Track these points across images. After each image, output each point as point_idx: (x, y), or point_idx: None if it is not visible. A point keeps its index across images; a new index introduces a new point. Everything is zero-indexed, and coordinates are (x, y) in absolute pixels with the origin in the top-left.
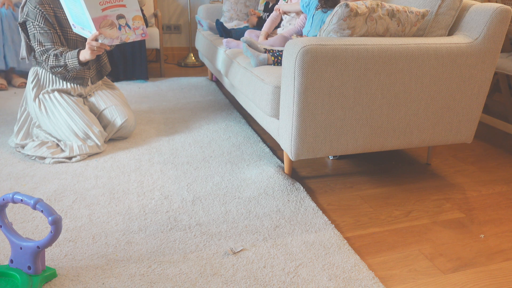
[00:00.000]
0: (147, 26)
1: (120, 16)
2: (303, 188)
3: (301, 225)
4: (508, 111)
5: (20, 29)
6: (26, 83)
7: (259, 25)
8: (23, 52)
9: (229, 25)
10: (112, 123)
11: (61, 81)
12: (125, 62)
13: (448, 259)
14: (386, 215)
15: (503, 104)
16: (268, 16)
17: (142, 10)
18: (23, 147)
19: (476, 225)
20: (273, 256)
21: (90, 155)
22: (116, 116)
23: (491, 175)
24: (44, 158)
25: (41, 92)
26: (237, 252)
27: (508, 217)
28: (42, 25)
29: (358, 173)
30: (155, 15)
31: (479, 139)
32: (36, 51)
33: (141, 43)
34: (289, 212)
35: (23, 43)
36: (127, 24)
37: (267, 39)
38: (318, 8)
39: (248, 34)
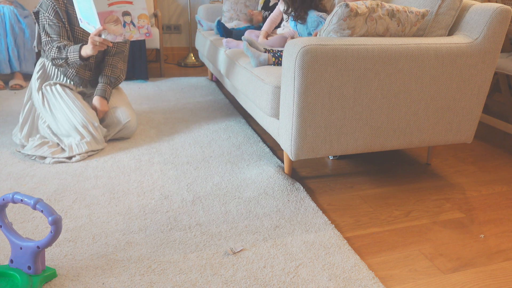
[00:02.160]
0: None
1: (126, 13)
2: (303, 188)
3: (301, 225)
4: (508, 111)
5: (34, 18)
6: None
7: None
8: (35, 41)
9: (229, 25)
10: (115, 123)
11: (63, 77)
12: None
13: (448, 259)
14: (386, 215)
15: (503, 104)
16: (268, 14)
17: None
18: (23, 147)
19: (476, 225)
20: (273, 256)
21: (90, 155)
22: (119, 116)
23: (491, 175)
24: (45, 158)
25: (44, 85)
26: (237, 252)
27: (508, 217)
28: (51, 17)
29: (358, 173)
30: (155, 15)
31: (479, 139)
32: (42, 41)
33: (141, 43)
34: (289, 212)
35: (36, 32)
36: (132, 22)
37: (267, 38)
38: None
39: (248, 34)
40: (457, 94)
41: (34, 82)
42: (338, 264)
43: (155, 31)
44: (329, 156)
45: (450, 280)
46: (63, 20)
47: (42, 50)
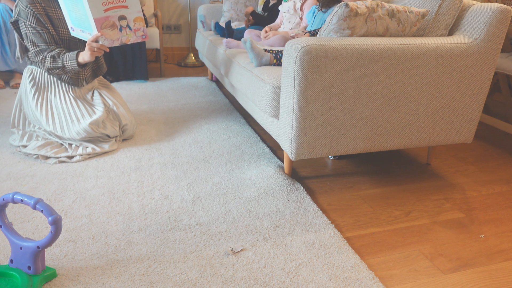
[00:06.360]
0: (147, 26)
1: (122, 17)
2: (303, 188)
3: (301, 225)
4: (508, 111)
5: (13, 27)
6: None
7: (254, 17)
8: (17, 51)
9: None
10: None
11: (58, 80)
12: (125, 62)
13: (448, 259)
14: (386, 215)
15: (503, 104)
16: (267, 15)
17: (142, 10)
18: (25, 146)
19: (476, 225)
20: (273, 256)
21: (91, 157)
22: (119, 117)
23: (491, 175)
24: (47, 158)
25: (42, 98)
26: (237, 252)
27: (508, 217)
28: (34, 25)
29: (358, 173)
30: (155, 15)
31: (479, 139)
32: (30, 51)
33: (141, 43)
34: (289, 212)
35: (17, 42)
36: (128, 26)
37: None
38: (319, 9)
39: (249, 34)
40: (457, 94)
41: (26, 93)
42: (338, 264)
43: (155, 31)
44: (329, 156)
45: (450, 280)
46: (46, 25)
47: (26, 57)
